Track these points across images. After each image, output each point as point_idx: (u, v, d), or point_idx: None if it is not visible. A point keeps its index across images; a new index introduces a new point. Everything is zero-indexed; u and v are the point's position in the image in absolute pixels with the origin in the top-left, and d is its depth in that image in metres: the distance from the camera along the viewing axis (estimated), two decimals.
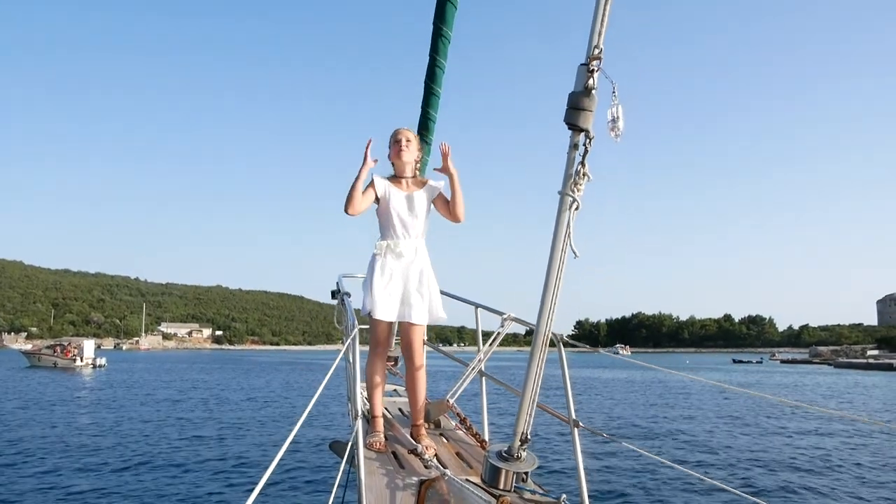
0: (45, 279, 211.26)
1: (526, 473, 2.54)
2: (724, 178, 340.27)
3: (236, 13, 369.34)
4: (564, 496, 2.64)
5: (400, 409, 4.85)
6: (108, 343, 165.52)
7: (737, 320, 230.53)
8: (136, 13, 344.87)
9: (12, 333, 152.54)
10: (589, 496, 2.93)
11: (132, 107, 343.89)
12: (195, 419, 21.52)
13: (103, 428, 19.30)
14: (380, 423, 3.92)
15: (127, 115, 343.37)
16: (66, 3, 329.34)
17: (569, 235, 2.17)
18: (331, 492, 2.82)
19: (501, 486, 2.43)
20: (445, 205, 4.01)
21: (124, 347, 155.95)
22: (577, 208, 2.14)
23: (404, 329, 3.93)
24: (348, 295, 4.62)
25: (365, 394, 4.07)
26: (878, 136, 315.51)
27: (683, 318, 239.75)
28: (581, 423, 3.21)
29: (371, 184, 3.93)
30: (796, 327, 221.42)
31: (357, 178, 3.84)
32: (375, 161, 3.94)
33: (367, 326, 4.03)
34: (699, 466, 14.50)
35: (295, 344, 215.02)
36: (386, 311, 3.81)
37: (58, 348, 57.93)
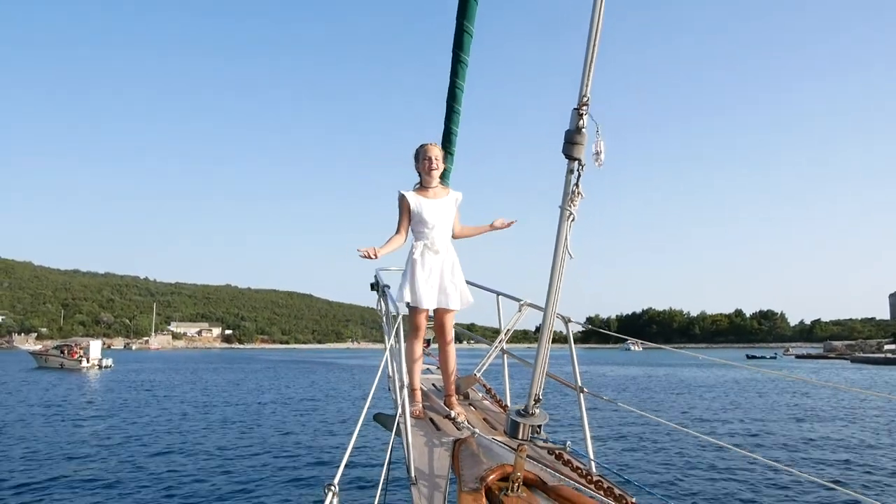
0: (54, 280, 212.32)
1: (539, 426, 3.01)
2: (732, 172, 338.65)
3: (238, 13, 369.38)
4: (569, 442, 3.19)
5: (434, 385, 5.59)
6: (119, 343, 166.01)
7: (748, 315, 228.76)
8: (151, 11, 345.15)
9: (23, 334, 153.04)
10: (593, 447, 3.72)
11: (140, 106, 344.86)
12: (206, 422, 21.00)
13: (102, 431, 18.94)
14: (419, 394, 4.60)
15: (135, 115, 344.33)
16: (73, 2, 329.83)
17: (567, 240, 2.79)
18: (379, 456, 3.86)
19: (520, 437, 2.94)
20: (455, 220, 4.76)
21: (134, 347, 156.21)
22: (572, 220, 2.79)
23: (439, 314, 4.61)
24: (388, 286, 5.13)
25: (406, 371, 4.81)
26: (887, 129, 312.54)
27: (694, 313, 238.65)
28: (586, 389, 4.00)
29: (404, 204, 4.58)
30: (808, 322, 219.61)
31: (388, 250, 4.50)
32: (373, 252, 4.33)
33: (406, 314, 4.59)
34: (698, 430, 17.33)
35: (304, 342, 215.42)
36: (427, 301, 4.47)
37: (65, 349, 57.71)
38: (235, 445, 15.97)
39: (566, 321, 4.36)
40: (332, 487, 2.06)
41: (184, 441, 16.89)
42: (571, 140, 2.71)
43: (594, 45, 2.56)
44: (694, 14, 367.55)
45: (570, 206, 2.76)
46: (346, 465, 2.38)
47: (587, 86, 2.62)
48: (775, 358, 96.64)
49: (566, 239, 2.78)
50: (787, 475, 11.56)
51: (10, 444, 16.36)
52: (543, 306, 2.94)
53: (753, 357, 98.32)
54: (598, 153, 2.71)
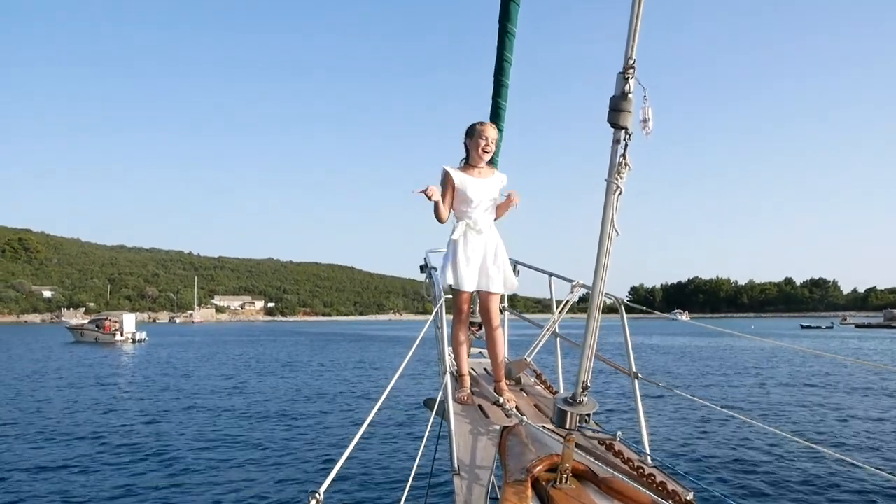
0: (101, 255, 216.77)
1: (588, 415, 2.91)
2: (781, 140, 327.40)
3: None
4: (619, 432, 3.16)
5: (485, 369, 5.32)
6: (163, 317, 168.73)
7: (798, 283, 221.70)
8: None
9: (71, 309, 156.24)
10: (648, 437, 3.46)
11: (182, 83, 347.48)
12: (223, 399, 19.39)
13: (120, 404, 18.09)
14: (466, 380, 4.41)
15: (178, 91, 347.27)
16: None
17: (614, 216, 2.63)
18: (424, 441, 3.17)
19: (568, 426, 2.84)
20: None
21: (178, 321, 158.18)
22: (619, 193, 2.59)
23: (483, 297, 4.40)
24: (435, 269, 4.92)
25: (452, 356, 4.51)
26: None
27: (742, 282, 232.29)
28: (640, 375, 3.78)
29: (448, 180, 4.32)
30: (862, 290, 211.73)
31: (436, 206, 4.24)
32: (432, 192, 4.17)
33: (451, 297, 4.50)
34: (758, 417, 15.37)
35: (346, 314, 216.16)
36: (468, 283, 4.28)
37: (99, 323, 57.55)
38: (251, 424, 14.51)
39: (620, 303, 3.96)
40: (317, 496, 1.81)
41: (197, 416, 15.96)
42: (617, 107, 2.49)
43: (639, 3, 2.37)
44: None
45: (616, 179, 2.55)
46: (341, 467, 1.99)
47: (633, 48, 2.41)
48: (832, 327, 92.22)
49: (613, 214, 2.59)
50: (867, 474, 9.95)
51: (18, 416, 16.10)
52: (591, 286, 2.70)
53: (808, 327, 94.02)
54: (645, 120, 2.51)
